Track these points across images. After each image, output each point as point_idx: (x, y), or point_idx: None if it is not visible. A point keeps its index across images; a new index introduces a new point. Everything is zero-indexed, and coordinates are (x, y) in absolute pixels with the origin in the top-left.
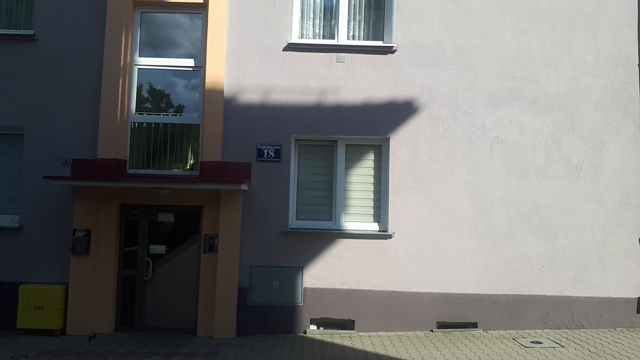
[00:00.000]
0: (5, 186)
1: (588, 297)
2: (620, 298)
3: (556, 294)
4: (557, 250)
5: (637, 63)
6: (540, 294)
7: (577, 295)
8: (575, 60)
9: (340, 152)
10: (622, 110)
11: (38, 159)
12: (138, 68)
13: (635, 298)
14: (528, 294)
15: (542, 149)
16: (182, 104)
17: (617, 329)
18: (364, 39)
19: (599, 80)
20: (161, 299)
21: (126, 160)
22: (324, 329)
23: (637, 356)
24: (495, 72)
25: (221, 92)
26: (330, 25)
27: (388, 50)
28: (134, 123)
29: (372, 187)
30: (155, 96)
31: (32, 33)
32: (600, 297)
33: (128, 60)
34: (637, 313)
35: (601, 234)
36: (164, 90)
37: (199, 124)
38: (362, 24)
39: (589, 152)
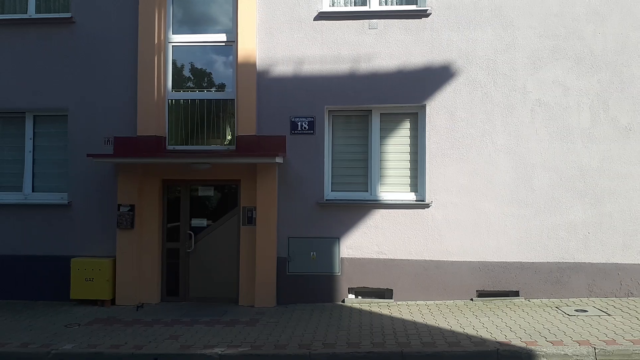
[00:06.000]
0: (54, 165)
1: (638, 264)
2: None
3: (603, 261)
4: (604, 216)
5: None
6: (586, 261)
7: (626, 262)
8: (624, 14)
9: (375, 121)
10: None
11: (82, 138)
12: (172, 45)
13: None
14: (573, 261)
15: (588, 111)
16: (216, 80)
17: None
18: (396, 4)
19: None
20: (204, 270)
21: (165, 137)
22: (362, 297)
23: None
24: (536, 31)
25: (253, 65)
26: None
27: (422, 14)
28: (171, 100)
29: (409, 156)
30: (190, 73)
31: (70, 16)
32: None
33: (162, 38)
34: None
35: None
36: (198, 67)
37: (234, 99)
38: None
39: None
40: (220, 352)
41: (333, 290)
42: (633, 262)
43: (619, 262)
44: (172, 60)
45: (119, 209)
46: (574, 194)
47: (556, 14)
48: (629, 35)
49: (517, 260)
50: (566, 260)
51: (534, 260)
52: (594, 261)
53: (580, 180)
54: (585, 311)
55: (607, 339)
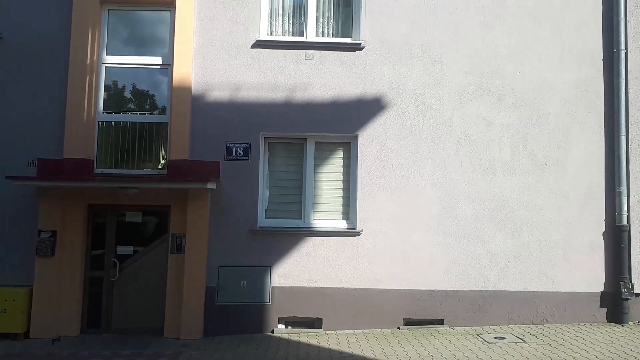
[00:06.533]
0: None
1: (552, 292)
2: (584, 292)
3: (521, 289)
4: (522, 245)
5: (602, 58)
6: (506, 289)
7: (542, 290)
8: (541, 56)
9: (310, 149)
10: (587, 106)
11: (4, 159)
12: (105, 66)
13: (598, 292)
14: (494, 289)
15: (508, 145)
16: (150, 103)
17: (580, 323)
18: (332, 36)
19: (564, 76)
20: (128, 300)
21: (93, 160)
22: (292, 328)
23: (595, 350)
24: (462, 69)
25: (189, 89)
26: (300, 22)
27: (356, 47)
28: (102, 122)
29: (342, 184)
30: (124, 95)
31: None
32: (565, 292)
33: (95, 58)
34: (600, 307)
35: (566, 229)
36: (132, 89)
37: (168, 123)
38: (331, 21)
39: (554, 147)
40: None
41: (263, 320)
42: (548, 290)
43: (536, 290)
44: (105, 81)
45: (39, 235)
46: (495, 224)
47: (481, 53)
48: (545, 76)
49: (442, 289)
50: (487, 289)
51: (458, 289)
52: (513, 289)
53: (500, 211)
54: (504, 338)
55: None
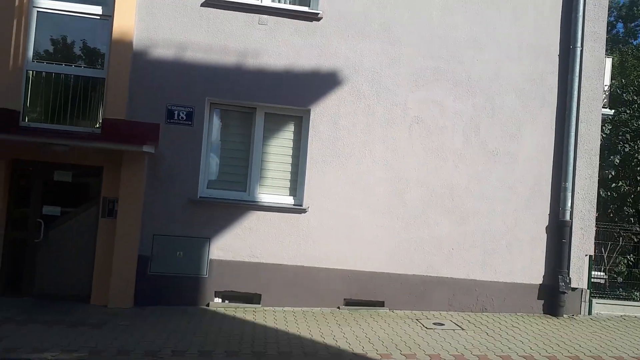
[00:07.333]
0: None
1: (493, 281)
2: (524, 284)
3: (463, 276)
4: (467, 233)
5: (558, 54)
6: (448, 276)
7: (483, 279)
8: (500, 45)
9: (259, 120)
10: (541, 99)
11: None
12: (37, 11)
13: (537, 284)
14: (436, 275)
15: (461, 133)
16: (89, 55)
17: (517, 313)
18: (289, 3)
19: (521, 68)
20: (53, 263)
21: (20, 112)
22: (229, 302)
23: (530, 341)
24: (420, 51)
25: (130, 44)
26: None
27: (313, 17)
28: (32, 71)
29: (290, 159)
30: (58, 44)
31: None
32: (505, 282)
33: (25, 1)
34: (538, 299)
35: (511, 221)
36: (68, 38)
37: (105, 78)
38: None
39: (506, 138)
40: (50, 358)
41: (199, 293)
42: (489, 280)
43: (477, 278)
44: (37, 27)
45: None
46: (442, 211)
47: (440, 36)
48: (502, 65)
49: (385, 271)
50: (430, 274)
51: (401, 272)
52: (455, 276)
53: (448, 198)
54: (443, 324)
55: (457, 353)
